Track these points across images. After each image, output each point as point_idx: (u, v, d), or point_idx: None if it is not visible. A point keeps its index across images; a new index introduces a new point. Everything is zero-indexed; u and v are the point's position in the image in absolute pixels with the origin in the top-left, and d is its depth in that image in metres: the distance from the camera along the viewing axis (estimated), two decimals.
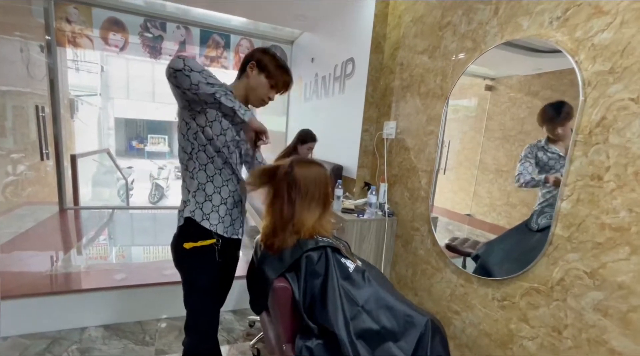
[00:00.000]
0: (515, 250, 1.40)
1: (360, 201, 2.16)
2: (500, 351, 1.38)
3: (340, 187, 2.12)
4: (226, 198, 1.09)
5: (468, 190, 1.57)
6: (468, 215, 1.60)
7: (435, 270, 1.76)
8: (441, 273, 1.72)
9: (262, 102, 1.15)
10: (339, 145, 2.61)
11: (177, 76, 0.85)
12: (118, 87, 7.34)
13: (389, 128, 2.11)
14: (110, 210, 3.96)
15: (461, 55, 1.59)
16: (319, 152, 2.85)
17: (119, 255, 2.63)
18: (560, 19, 1.16)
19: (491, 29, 1.43)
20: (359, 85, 2.30)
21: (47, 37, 2.92)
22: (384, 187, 2.06)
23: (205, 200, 1.05)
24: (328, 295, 0.93)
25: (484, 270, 1.50)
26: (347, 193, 2.39)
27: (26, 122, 3.26)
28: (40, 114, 2.95)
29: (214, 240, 1.05)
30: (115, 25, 3.09)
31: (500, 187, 1.39)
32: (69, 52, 4.50)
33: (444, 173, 1.70)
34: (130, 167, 6.84)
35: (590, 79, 1.08)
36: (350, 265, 1.01)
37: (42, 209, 3.35)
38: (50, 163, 3.43)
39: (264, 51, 1.11)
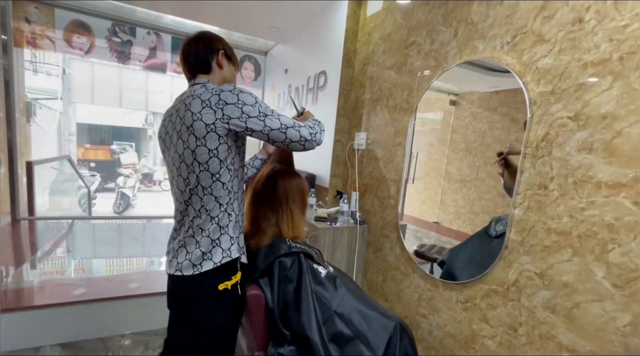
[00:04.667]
0: (477, 255, 1.49)
1: (333, 209, 2.21)
2: (463, 351, 1.46)
3: (313, 195, 2.15)
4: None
5: (435, 199, 1.64)
6: (436, 222, 1.67)
7: (404, 275, 1.83)
8: (409, 278, 1.79)
9: None
10: (313, 155, 2.66)
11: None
12: (82, 91, 6.96)
13: (360, 139, 2.19)
14: (70, 221, 3.72)
15: (426, 72, 1.70)
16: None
17: (78, 269, 2.48)
18: (510, 44, 1.29)
19: (451, 49, 1.55)
20: (331, 97, 2.38)
21: (3, 37, 2.75)
22: (355, 195, 2.12)
23: (241, 233, 0.99)
24: (301, 300, 0.95)
25: (449, 275, 1.58)
26: (320, 202, 2.43)
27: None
28: None
29: (240, 274, 0.97)
30: (81, 27, 2.97)
31: (464, 196, 1.47)
32: (27, 52, 4.23)
33: (413, 183, 1.77)
34: (94, 175, 6.47)
35: (535, 98, 1.21)
36: (322, 271, 1.04)
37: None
38: (3, 170, 3.19)
39: (220, 37, 1.04)
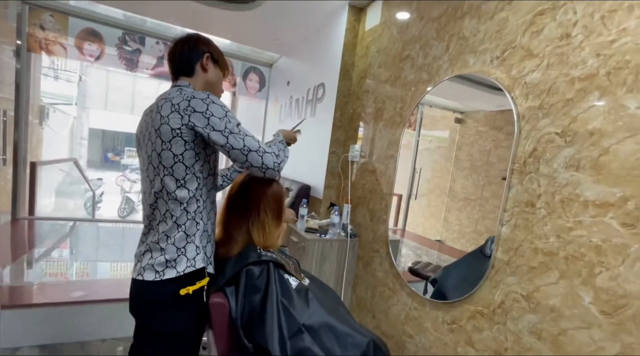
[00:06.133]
0: (469, 274, 1.43)
1: (325, 221, 2.17)
2: None
3: (305, 206, 2.13)
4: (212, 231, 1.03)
5: (438, 217, 1.61)
6: (438, 241, 1.63)
7: (392, 292, 1.77)
8: (397, 295, 1.72)
9: (220, 95, 1.07)
10: (308, 166, 2.65)
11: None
12: (96, 97, 7.21)
13: (354, 151, 2.17)
14: (71, 223, 3.76)
15: (429, 88, 1.68)
16: (289, 172, 2.87)
17: (69, 270, 2.48)
18: (499, 58, 1.27)
19: (443, 64, 1.54)
20: (329, 109, 2.39)
21: (17, 42, 2.88)
22: (347, 207, 2.09)
23: (209, 242, 0.98)
24: (266, 312, 0.91)
25: (440, 294, 1.52)
26: (312, 213, 2.40)
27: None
28: (2, 118, 2.85)
29: (207, 279, 0.95)
30: (92, 35, 3.09)
31: (468, 214, 1.43)
32: (47, 60, 4.41)
33: (416, 199, 1.73)
34: (100, 179, 6.59)
35: (524, 113, 1.18)
36: (294, 282, 1.01)
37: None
38: (9, 170, 3.27)
39: (208, 40, 1.02)
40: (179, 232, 0.90)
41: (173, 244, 0.90)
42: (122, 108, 7.89)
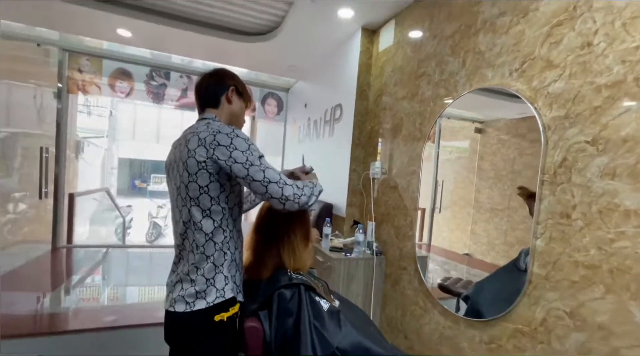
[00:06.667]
0: (504, 290, 1.38)
1: (349, 239, 2.17)
2: None
3: (329, 225, 2.14)
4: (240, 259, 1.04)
5: (465, 229, 1.57)
6: (466, 254, 1.59)
7: (424, 311, 1.71)
8: (429, 314, 1.67)
9: (242, 126, 1.12)
10: (329, 185, 2.68)
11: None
12: (125, 129, 7.69)
13: (375, 168, 2.18)
14: (104, 249, 3.93)
15: (448, 100, 1.70)
16: None
17: (108, 296, 2.57)
18: (519, 70, 1.27)
19: (460, 79, 1.56)
20: (347, 128, 2.43)
21: (59, 85, 3.15)
22: (371, 225, 2.08)
23: (237, 271, 0.99)
24: (300, 334, 0.92)
25: (474, 311, 1.47)
26: (336, 232, 2.40)
27: (32, 163, 3.37)
28: (44, 155, 3.08)
29: (238, 305, 0.97)
30: (123, 74, 3.34)
31: (496, 225, 1.39)
32: (81, 97, 4.77)
33: (440, 212, 1.70)
34: (129, 206, 6.89)
35: (549, 123, 1.16)
36: (325, 304, 1.01)
37: (36, 248, 3.33)
38: (51, 202, 3.49)
39: (233, 74, 1.08)
40: (207, 262, 0.93)
41: (202, 275, 0.92)
42: (148, 138, 8.34)
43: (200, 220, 0.92)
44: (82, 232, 4.89)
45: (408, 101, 1.94)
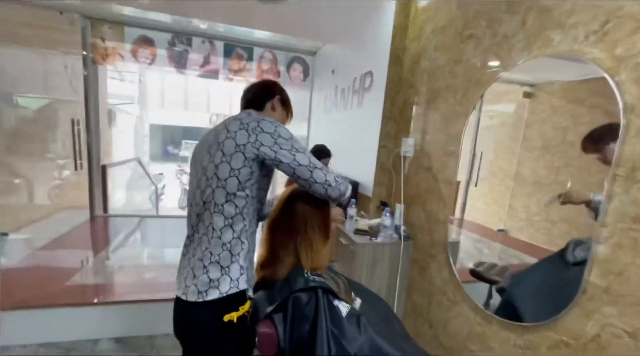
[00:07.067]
0: (547, 285, 1.24)
1: (375, 221, 2.05)
2: None
3: (353, 206, 2.02)
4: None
5: (502, 204, 1.44)
6: (501, 230, 1.46)
7: (452, 303, 1.61)
8: (458, 307, 1.57)
9: None
10: (356, 161, 2.52)
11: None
12: (154, 96, 7.79)
13: (407, 146, 1.99)
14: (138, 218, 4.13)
15: (485, 70, 1.45)
16: (336, 166, 2.77)
17: (139, 268, 2.71)
18: (598, 33, 1.00)
19: (517, 43, 1.29)
20: (377, 99, 2.21)
21: (84, 53, 3.12)
22: (399, 208, 1.94)
23: (251, 264, 0.97)
24: (317, 342, 0.85)
25: (509, 308, 1.34)
26: (362, 212, 2.29)
27: (82, 131, 3.47)
28: (76, 127, 3.15)
29: (248, 303, 0.93)
30: (145, 42, 3.25)
31: (538, 201, 1.25)
32: (117, 64, 4.80)
33: (476, 185, 1.56)
34: (161, 173, 7.16)
35: (634, 103, 0.92)
36: (344, 309, 0.93)
37: (79, 214, 3.55)
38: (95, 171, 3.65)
39: (281, 87, 1.13)
40: (223, 250, 0.90)
41: (218, 262, 0.89)
42: (176, 105, 8.43)
43: (223, 204, 0.89)
44: (119, 199, 5.18)
45: (449, 69, 1.68)
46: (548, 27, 1.16)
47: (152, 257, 3.03)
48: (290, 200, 1.03)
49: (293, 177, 0.91)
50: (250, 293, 0.96)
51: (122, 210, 4.83)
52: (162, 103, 8.31)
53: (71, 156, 3.28)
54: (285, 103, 1.11)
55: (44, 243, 2.86)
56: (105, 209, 3.52)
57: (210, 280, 0.88)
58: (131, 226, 3.83)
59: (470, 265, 1.58)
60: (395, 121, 2.18)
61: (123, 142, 6.59)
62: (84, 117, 3.29)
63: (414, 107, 1.98)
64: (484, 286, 1.48)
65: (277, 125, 0.91)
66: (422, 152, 1.89)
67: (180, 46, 3.35)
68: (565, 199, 1.15)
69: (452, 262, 1.62)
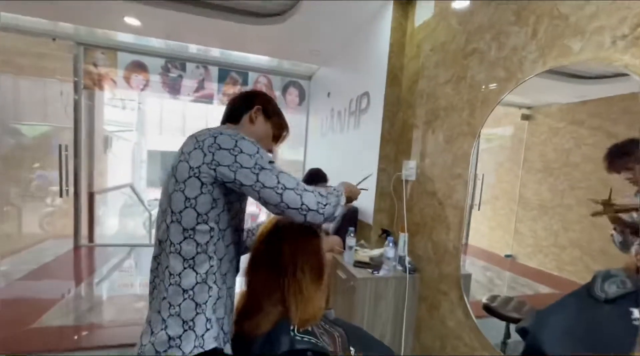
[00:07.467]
0: (578, 326, 1.06)
1: (377, 252, 1.85)
2: None
3: (352, 235, 1.84)
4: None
5: (507, 228, 1.36)
6: (508, 256, 1.35)
7: (470, 349, 1.38)
8: (476, 353, 1.34)
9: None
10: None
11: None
12: (152, 122, 7.79)
13: (409, 169, 1.83)
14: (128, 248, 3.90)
15: (492, 86, 1.33)
16: None
17: (113, 304, 2.47)
18: (629, 37, 0.87)
19: (529, 55, 1.16)
20: (375, 120, 2.08)
21: (75, 79, 3.07)
22: (403, 237, 1.75)
23: (226, 314, 0.79)
24: None
25: (536, 352, 1.14)
26: (362, 241, 2.09)
27: (70, 157, 3.37)
28: (64, 153, 3.03)
29: None
30: (138, 67, 3.20)
31: (545, 225, 1.18)
32: (108, 91, 4.80)
33: (479, 209, 1.47)
34: (156, 199, 6.99)
35: None
36: None
37: (65, 243, 3.34)
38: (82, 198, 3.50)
39: (268, 97, 0.98)
40: (184, 298, 0.72)
41: (178, 315, 0.71)
42: (175, 131, 8.43)
43: (180, 242, 0.72)
44: (111, 226, 4.97)
45: (452, 86, 1.56)
46: (565, 34, 1.04)
47: (134, 292, 2.77)
48: (274, 233, 0.85)
49: (261, 203, 0.74)
50: (227, 349, 0.77)
51: (114, 237, 4.61)
52: (161, 130, 8.31)
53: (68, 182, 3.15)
54: (270, 115, 0.95)
55: (22, 274, 2.65)
56: (91, 238, 3.32)
57: (170, 338, 0.70)
58: (120, 255, 3.59)
59: (484, 299, 1.40)
60: (395, 143, 2.04)
61: (119, 168, 6.49)
62: (67, 145, 3.19)
63: (415, 128, 1.85)
64: (498, 322, 1.31)
65: (238, 138, 0.74)
66: (425, 175, 1.74)
67: (174, 71, 3.31)
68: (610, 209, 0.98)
69: (467, 301, 1.41)
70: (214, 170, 0.71)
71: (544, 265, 1.18)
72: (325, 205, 0.76)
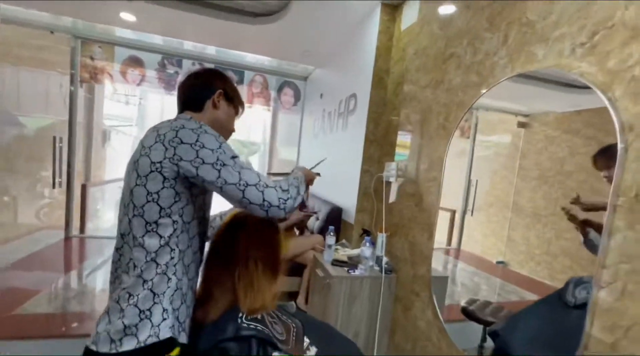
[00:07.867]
0: (546, 331, 1.08)
1: (356, 251, 1.87)
2: None
3: (332, 234, 1.85)
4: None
5: (500, 235, 1.35)
6: (500, 262, 1.35)
7: (437, 350, 1.39)
8: (442, 353, 1.35)
9: (230, 135, 0.96)
10: (340, 185, 2.38)
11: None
12: (152, 117, 7.87)
13: (390, 170, 1.85)
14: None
15: (468, 90, 1.35)
16: (320, 191, 2.63)
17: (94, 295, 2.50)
18: (586, 45, 0.89)
19: (499, 60, 1.18)
20: (360, 121, 2.11)
21: (71, 72, 3.11)
22: (382, 237, 1.77)
23: (183, 304, 0.79)
24: None
25: (504, 355, 1.15)
26: (343, 241, 2.11)
27: (64, 149, 3.41)
28: (57, 144, 3.07)
29: (177, 350, 0.76)
30: (135, 62, 3.24)
31: (538, 233, 1.18)
32: (109, 86, 4.84)
33: (472, 215, 1.48)
34: None
35: (632, 122, 0.79)
36: None
37: (56, 234, 3.38)
38: (78, 189, 3.54)
39: (224, 76, 0.93)
40: (144, 289, 0.73)
41: (135, 305, 0.72)
42: None
43: (143, 236, 0.74)
44: (108, 219, 5.02)
45: (432, 90, 1.58)
46: (531, 41, 1.06)
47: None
48: (233, 225, 0.87)
49: (224, 198, 0.75)
50: (182, 338, 0.78)
51: (111, 230, 4.65)
52: None
53: (62, 175, 3.18)
54: (232, 98, 0.92)
55: (10, 262, 2.69)
56: (82, 229, 3.36)
57: (126, 326, 0.71)
58: (111, 247, 3.64)
59: (462, 303, 1.41)
60: (379, 144, 2.06)
61: (118, 162, 6.54)
62: (61, 137, 3.24)
63: (398, 130, 1.87)
64: (477, 326, 1.31)
65: (201, 132, 0.73)
66: (406, 177, 1.75)
67: (170, 68, 3.35)
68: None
69: (435, 302, 1.43)
70: (176, 165, 0.71)
71: (535, 273, 1.18)
72: (286, 200, 0.77)
